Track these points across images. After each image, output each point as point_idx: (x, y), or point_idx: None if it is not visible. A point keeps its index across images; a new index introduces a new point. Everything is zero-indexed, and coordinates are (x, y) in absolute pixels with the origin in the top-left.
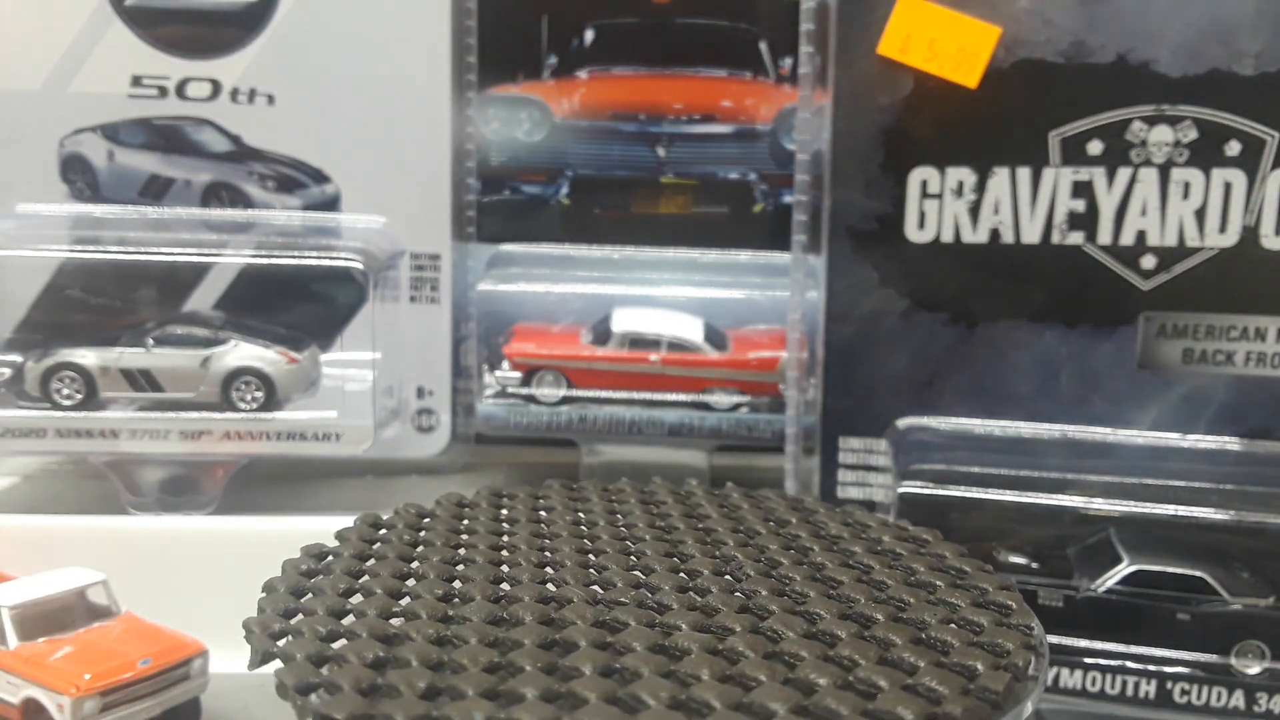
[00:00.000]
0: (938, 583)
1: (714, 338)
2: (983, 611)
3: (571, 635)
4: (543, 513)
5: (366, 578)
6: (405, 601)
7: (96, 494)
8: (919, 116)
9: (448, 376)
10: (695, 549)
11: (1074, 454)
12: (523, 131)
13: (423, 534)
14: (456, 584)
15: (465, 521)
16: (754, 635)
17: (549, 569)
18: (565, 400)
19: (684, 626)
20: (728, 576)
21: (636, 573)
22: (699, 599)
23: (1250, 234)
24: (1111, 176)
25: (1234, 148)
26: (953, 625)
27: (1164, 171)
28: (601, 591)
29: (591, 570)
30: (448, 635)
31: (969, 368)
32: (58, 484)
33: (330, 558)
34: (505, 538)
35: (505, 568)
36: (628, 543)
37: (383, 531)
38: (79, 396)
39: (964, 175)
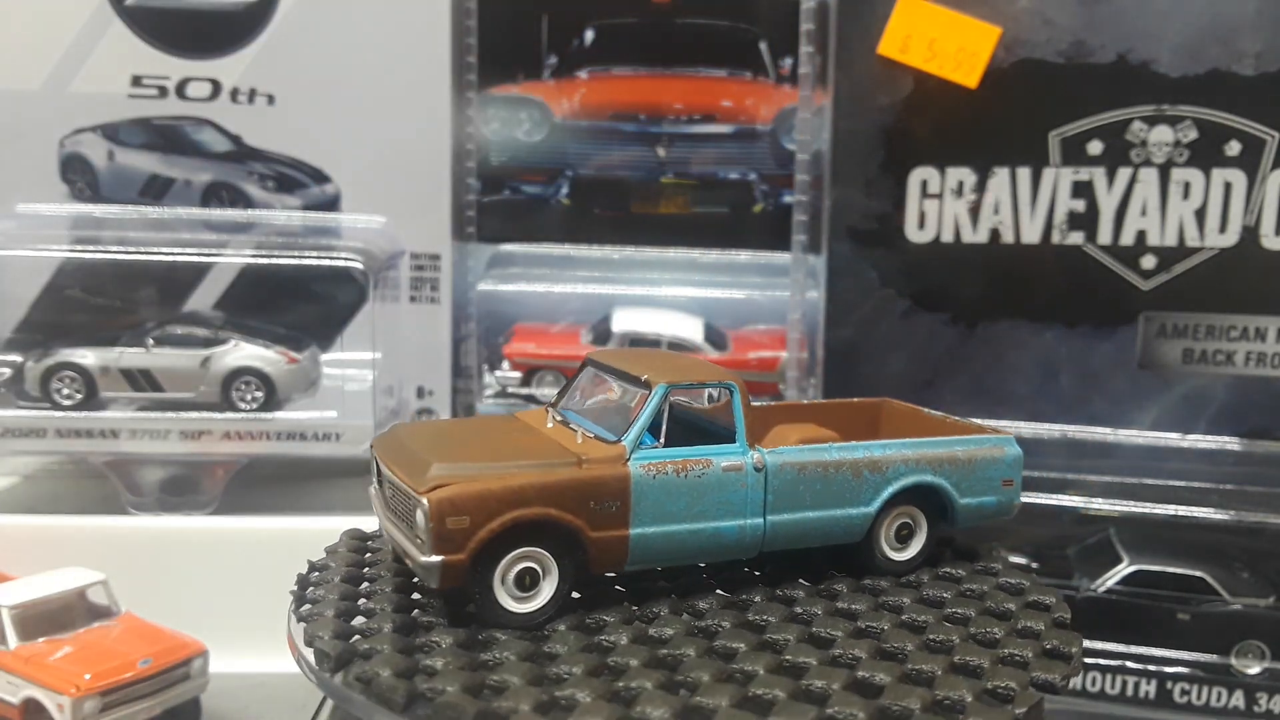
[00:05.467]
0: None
1: (714, 338)
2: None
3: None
4: None
5: None
6: None
7: (96, 494)
8: (919, 116)
9: (448, 376)
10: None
11: (1074, 454)
12: (523, 131)
13: None
14: None
15: None
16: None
17: None
18: None
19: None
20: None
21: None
22: None
23: (1250, 234)
24: (1111, 176)
25: (1234, 148)
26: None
27: (1164, 171)
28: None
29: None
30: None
31: (969, 368)
32: (58, 484)
33: None
34: None
35: None
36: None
37: None
38: (79, 396)
39: (964, 175)
